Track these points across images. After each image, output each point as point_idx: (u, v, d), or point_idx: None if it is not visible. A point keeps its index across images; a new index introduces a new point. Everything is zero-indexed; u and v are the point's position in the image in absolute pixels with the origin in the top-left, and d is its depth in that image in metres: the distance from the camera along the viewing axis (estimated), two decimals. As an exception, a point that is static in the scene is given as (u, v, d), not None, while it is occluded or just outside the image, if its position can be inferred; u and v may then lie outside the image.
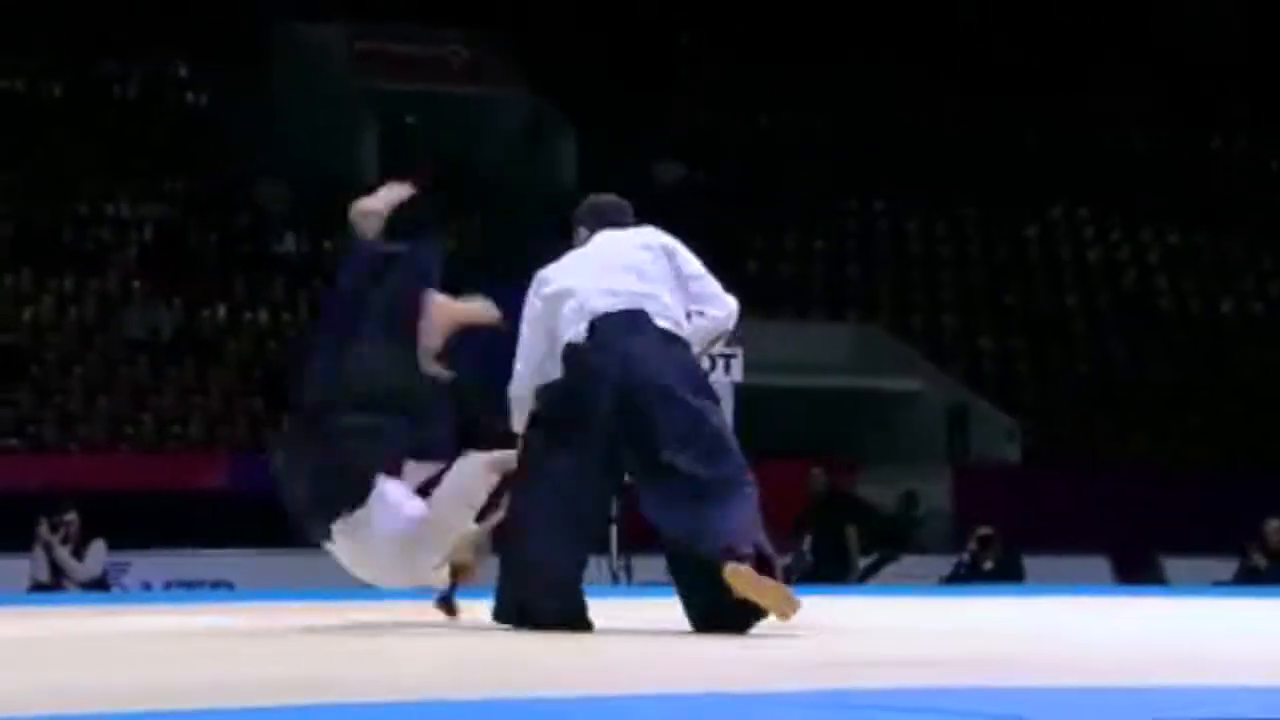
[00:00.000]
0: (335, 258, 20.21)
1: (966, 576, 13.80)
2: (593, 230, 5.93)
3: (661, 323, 5.58)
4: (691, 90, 23.51)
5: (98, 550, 12.03)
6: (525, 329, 5.80)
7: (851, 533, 12.92)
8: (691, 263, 5.75)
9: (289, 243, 19.96)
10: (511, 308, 18.88)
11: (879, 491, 18.25)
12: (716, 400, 5.65)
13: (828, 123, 23.25)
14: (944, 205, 22.74)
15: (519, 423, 5.81)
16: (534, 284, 5.81)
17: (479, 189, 21.56)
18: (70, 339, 17.87)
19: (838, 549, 13.06)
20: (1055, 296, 22.19)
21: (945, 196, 22.64)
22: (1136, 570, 15.70)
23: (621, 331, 5.54)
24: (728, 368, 12.15)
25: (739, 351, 11.55)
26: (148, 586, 13.03)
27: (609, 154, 21.94)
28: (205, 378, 17.75)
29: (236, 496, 15.39)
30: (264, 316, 18.77)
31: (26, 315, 17.95)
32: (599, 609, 5.85)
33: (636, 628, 5.93)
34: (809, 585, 11.78)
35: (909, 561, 16.31)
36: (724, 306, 5.73)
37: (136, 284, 18.53)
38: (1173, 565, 15.86)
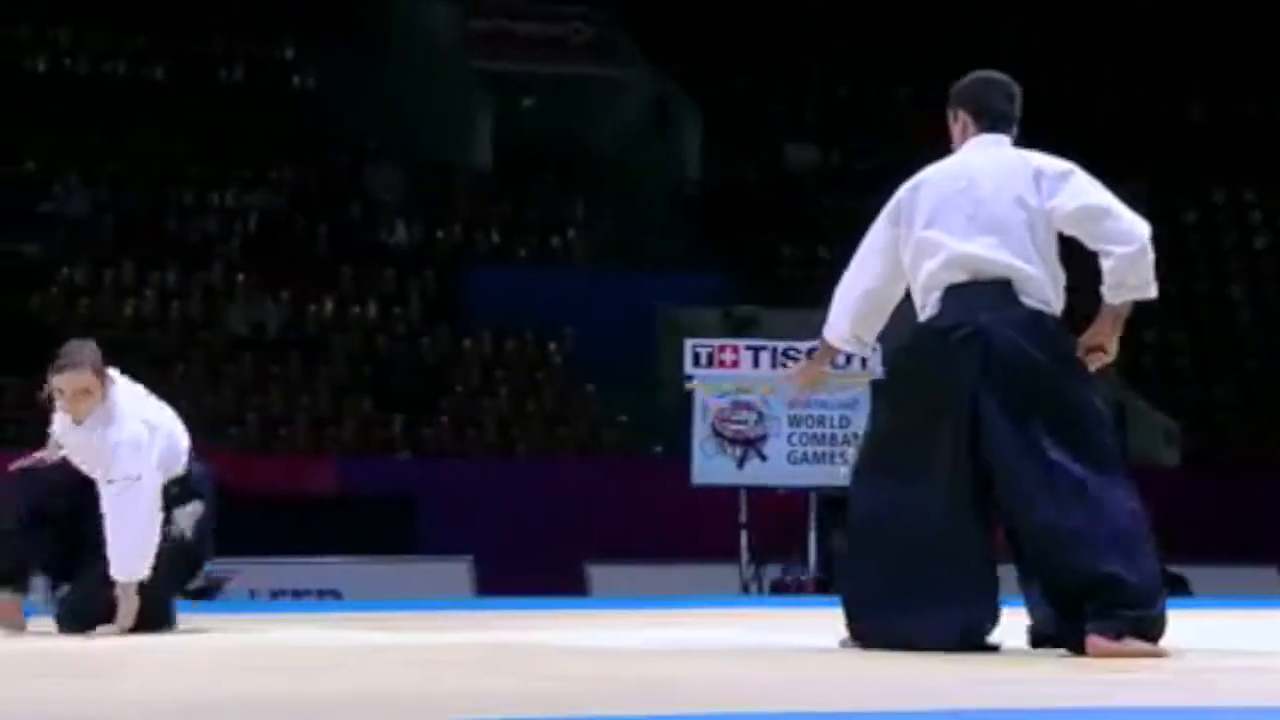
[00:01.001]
0: (448, 247, 20.39)
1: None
2: (977, 123, 5.55)
3: (1027, 301, 5.29)
4: (826, 66, 23.41)
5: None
6: (876, 253, 5.49)
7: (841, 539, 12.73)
8: (1083, 203, 5.33)
9: (400, 232, 20.12)
10: (633, 296, 18.53)
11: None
12: (1093, 384, 5.33)
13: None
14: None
15: (829, 329, 5.60)
16: (903, 200, 5.47)
17: (600, 175, 21.62)
18: (173, 335, 18.13)
19: (829, 557, 12.93)
20: (1219, 286, 21.86)
21: (1096, 177, 22.36)
22: (1309, 582, 15.45)
23: (980, 306, 5.26)
24: (864, 363, 12.15)
25: (877, 346, 11.50)
26: (253, 595, 13.21)
27: (737, 137, 21.91)
28: (312, 376, 17.95)
29: (345, 501, 15.57)
30: (373, 310, 18.93)
31: (128, 310, 18.23)
32: (728, 618, 5.84)
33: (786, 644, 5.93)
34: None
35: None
36: (1128, 239, 5.30)
37: (241, 277, 18.75)
38: (1349, 577, 15.59)
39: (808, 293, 20.03)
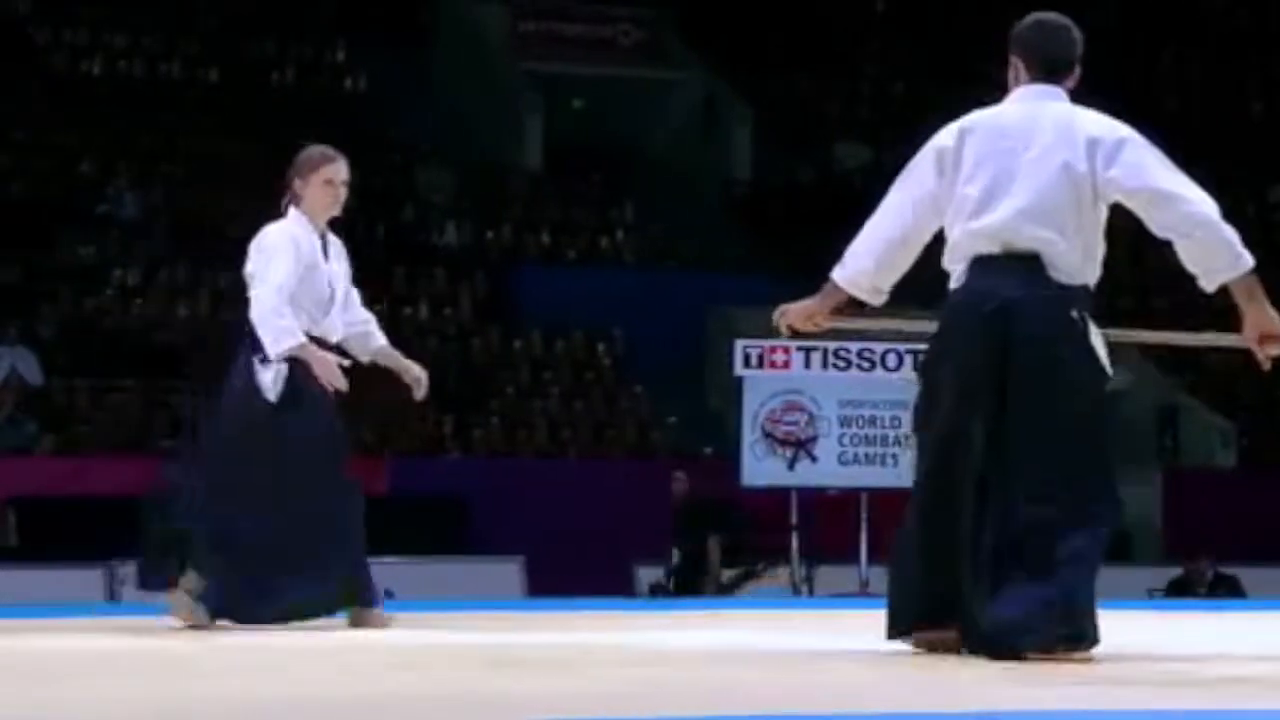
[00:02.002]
0: (499, 248, 20.46)
1: (1180, 594, 13.67)
2: (1029, 71, 5.17)
3: (1056, 275, 4.99)
4: (879, 65, 23.37)
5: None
6: (913, 202, 5.20)
7: (713, 543, 12.68)
8: (1142, 184, 4.97)
9: (450, 233, 20.20)
10: (682, 297, 18.53)
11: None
12: (1105, 376, 5.04)
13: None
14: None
15: (845, 270, 5.38)
16: (948, 150, 5.15)
17: (650, 176, 21.66)
18: (228, 338, 18.21)
19: (699, 559, 12.90)
20: (1277, 285, 21.74)
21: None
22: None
23: (1006, 283, 4.98)
24: (900, 362, 12.13)
25: (915, 347, 11.51)
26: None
27: (787, 136, 21.91)
28: (368, 378, 18.02)
29: (398, 502, 15.65)
30: (424, 312, 19.02)
31: (182, 312, 18.35)
32: (779, 620, 5.85)
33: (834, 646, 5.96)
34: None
35: (1113, 574, 16.10)
36: (1189, 227, 4.97)
37: (295, 279, 18.83)
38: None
39: (859, 293, 20.03)
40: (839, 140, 22.22)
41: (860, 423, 12.52)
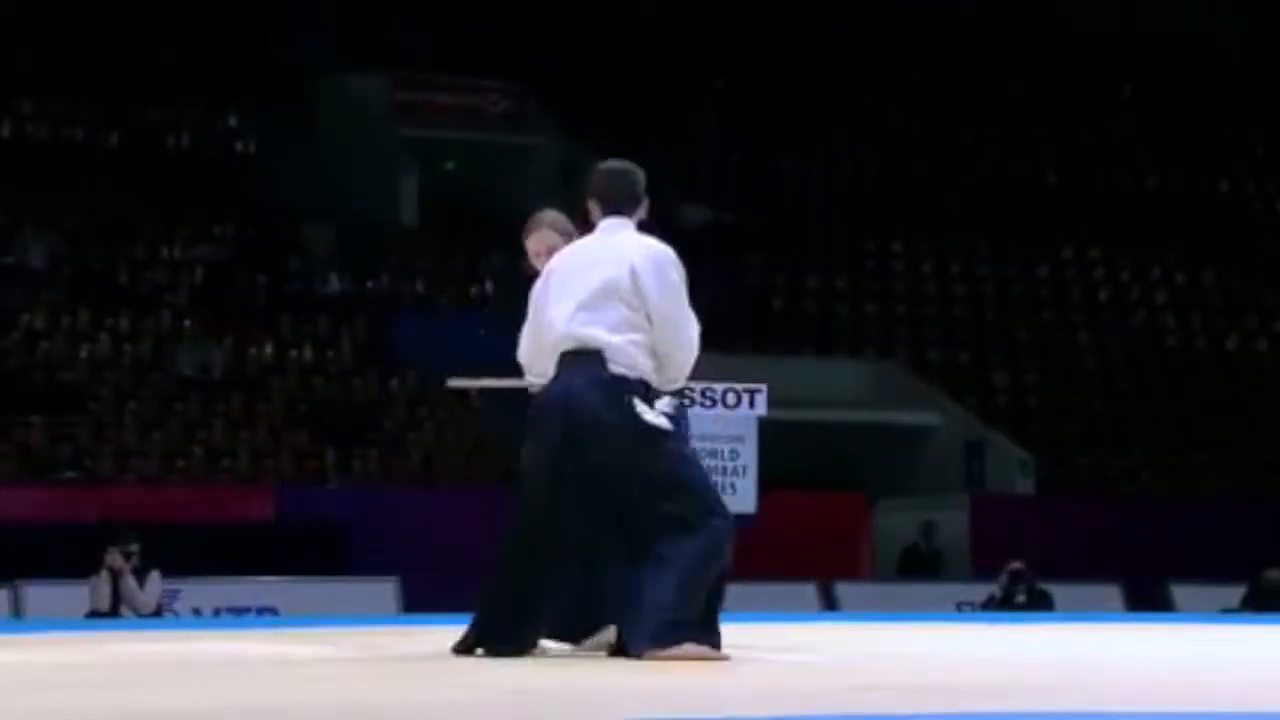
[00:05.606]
0: (377, 297, 20.32)
1: (999, 609, 13.76)
2: (602, 208, 5.84)
3: (614, 367, 5.56)
4: (719, 134, 23.58)
5: (155, 580, 12.10)
6: (530, 316, 5.82)
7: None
8: (656, 304, 5.60)
9: (333, 283, 20.06)
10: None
11: (898, 521, 18.22)
12: (662, 443, 5.54)
13: (849, 164, 23.29)
14: (959, 245, 22.76)
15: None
16: (538, 293, 5.81)
17: (514, 230, 21.63)
18: (125, 376, 17.98)
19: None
20: (1067, 334, 22.17)
21: (960, 237, 22.66)
22: (1146, 597, 15.65)
23: (575, 371, 5.55)
24: (752, 402, 12.20)
25: (763, 387, 11.59)
26: (198, 613, 13.09)
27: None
28: (253, 413, 17.84)
29: (281, 526, 15.46)
30: (309, 354, 18.86)
31: (84, 353, 18.07)
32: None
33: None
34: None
35: (929, 590, 16.27)
36: (677, 348, 5.63)
37: (188, 324, 18.64)
38: (1181, 592, 15.81)
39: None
40: (682, 201, 22.36)
41: (702, 455, 12.53)
